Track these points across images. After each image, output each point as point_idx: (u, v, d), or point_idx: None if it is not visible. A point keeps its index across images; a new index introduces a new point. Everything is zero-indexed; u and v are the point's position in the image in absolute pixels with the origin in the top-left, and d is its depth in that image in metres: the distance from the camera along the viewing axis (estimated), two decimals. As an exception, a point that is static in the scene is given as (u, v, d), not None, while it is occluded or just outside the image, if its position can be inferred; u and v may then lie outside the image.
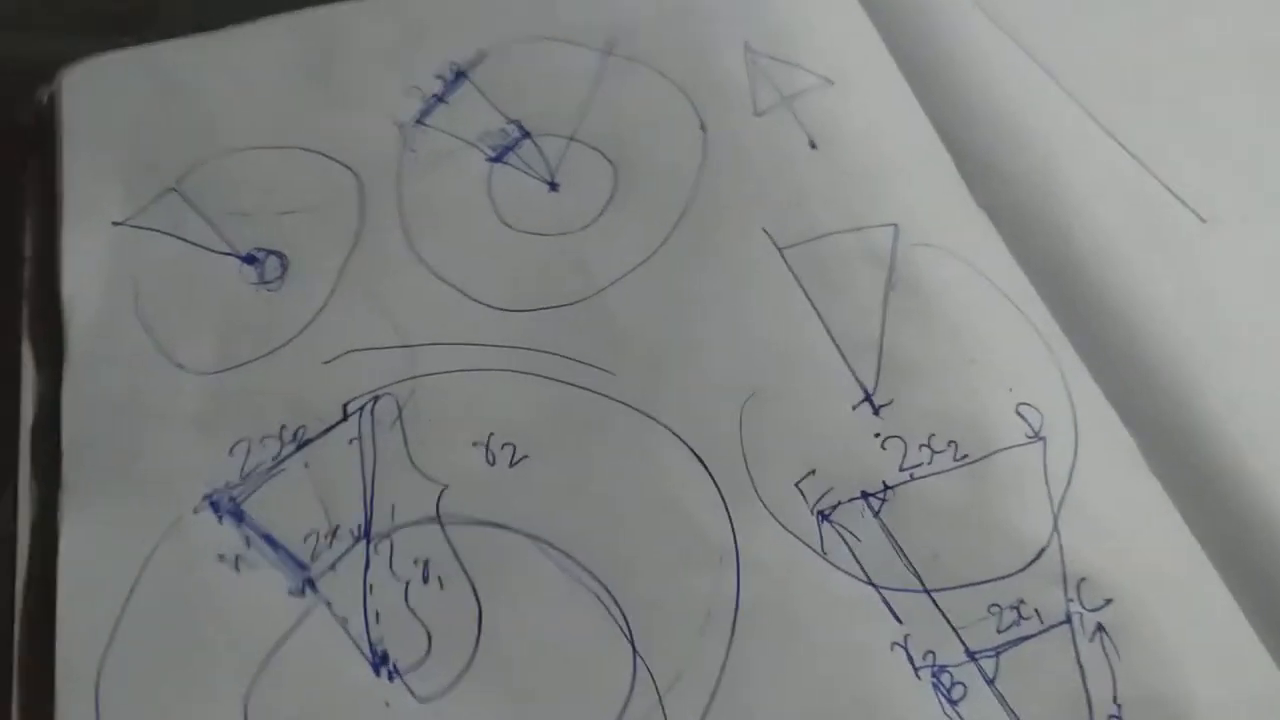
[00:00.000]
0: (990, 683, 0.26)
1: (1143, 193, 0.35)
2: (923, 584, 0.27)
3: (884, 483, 0.29)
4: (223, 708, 0.27)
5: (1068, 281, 0.33)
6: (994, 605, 0.27)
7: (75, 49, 0.38)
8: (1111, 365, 0.31)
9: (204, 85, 0.37)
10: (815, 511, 0.28)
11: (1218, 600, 0.27)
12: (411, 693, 0.27)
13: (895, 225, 0.33)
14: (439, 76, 0.37)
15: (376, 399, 0.31)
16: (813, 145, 0.34)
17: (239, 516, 0.29)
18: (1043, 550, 0.28)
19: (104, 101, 0.37)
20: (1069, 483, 0.29)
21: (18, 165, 0.37)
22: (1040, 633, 0.27)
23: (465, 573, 0.28)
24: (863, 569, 0.28)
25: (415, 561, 0.29)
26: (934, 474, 0.29)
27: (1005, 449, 0.29)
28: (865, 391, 0.30)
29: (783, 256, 0.32)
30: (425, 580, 0.28)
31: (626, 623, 0.27)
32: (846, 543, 0.28)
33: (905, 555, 0.28)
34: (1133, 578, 0.27)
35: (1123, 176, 0.36)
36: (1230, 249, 0.34)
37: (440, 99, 0.36)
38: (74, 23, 0.42)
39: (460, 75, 0.37)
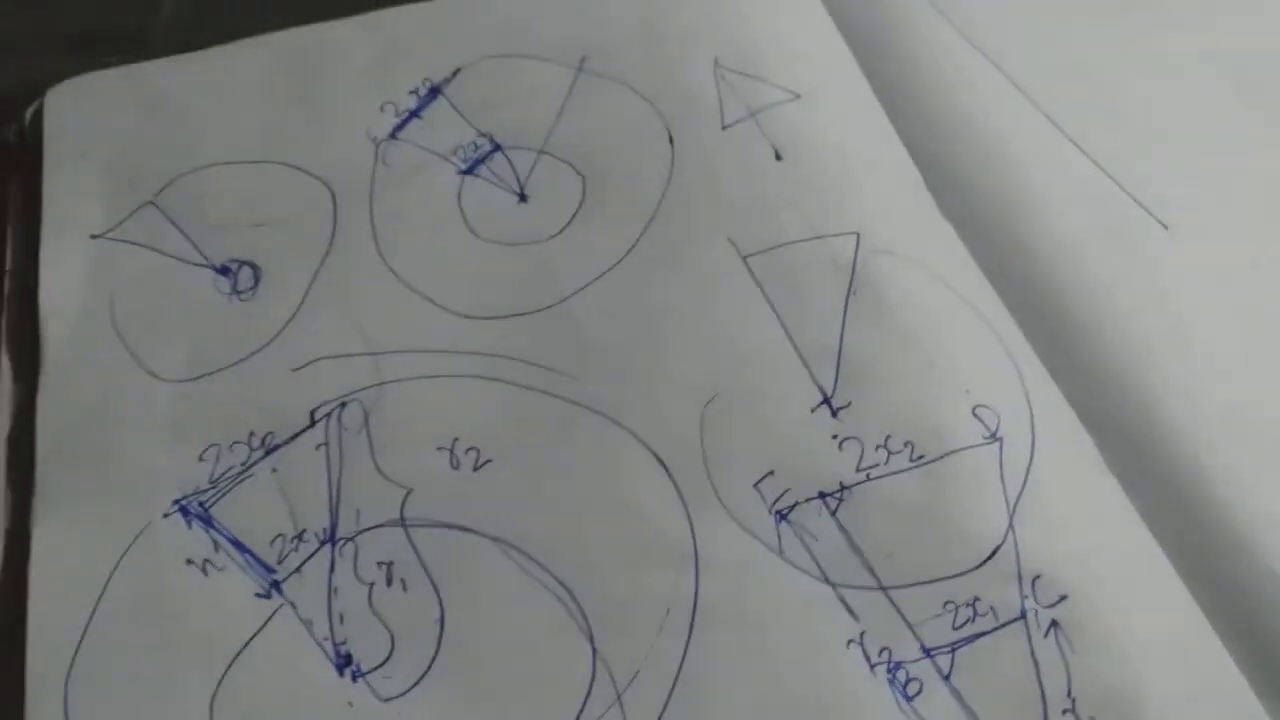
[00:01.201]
0: (946, 679, 0.27)
1: (1106, 200, 0.36)
2: (879, 582, 0.28)
3: (841, 483, 0.29)
4: (189, 708, 0.27)
5: (1031, 287, 0.33)
6: (949, 602, 0.27)
7: (63, 69, 0.39)
8: (1072, 369, 0.32)
9: (184, 103, 0.38)
10: (773, 511, 0.29)
11: (1173, 595, 0.27)
12: (375, 693, 0.27)
13: (857, 234, 0.33)
14: (413, 92, 0.38)
15: (344, 405, 0.31)
16: (778, 156, 0.35)
17: (208, 521, 0.30)
18: (998, 548, 0.28)
19: (86, 119, 0.38)
20: (1025, 482, 0.29)
21: (1, 181, 0.38)
22: (995, 629, 0.27)
23: (428, 575, 0.29)
24: (819, 567, 0.28)
25: (379, 564, 0.29)
26: (890, 474, 0.29)
27: (961, 449, 0.29)
28: (824, 394, 0.30)
29: (746, 264, 0.33)
30: (389, 583, 0.29)
31: (587, 622, 0.28)
32: (804, 542, 0.28)
33: (862, 554, 0.28)
34: (1088, 574, 0.28)
35: (1087, 184, 0.36)
36: (1192, 255, 0.34)
37: (415, 114, 0.37)
38: (63, 44, 0.43)
39: (435, 91, 0.37)
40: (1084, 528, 0.29)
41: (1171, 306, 0.33)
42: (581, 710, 0.27)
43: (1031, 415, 0.30)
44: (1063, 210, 0.35)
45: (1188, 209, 0.35)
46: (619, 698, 0.27)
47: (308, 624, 0.28)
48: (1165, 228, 0.35)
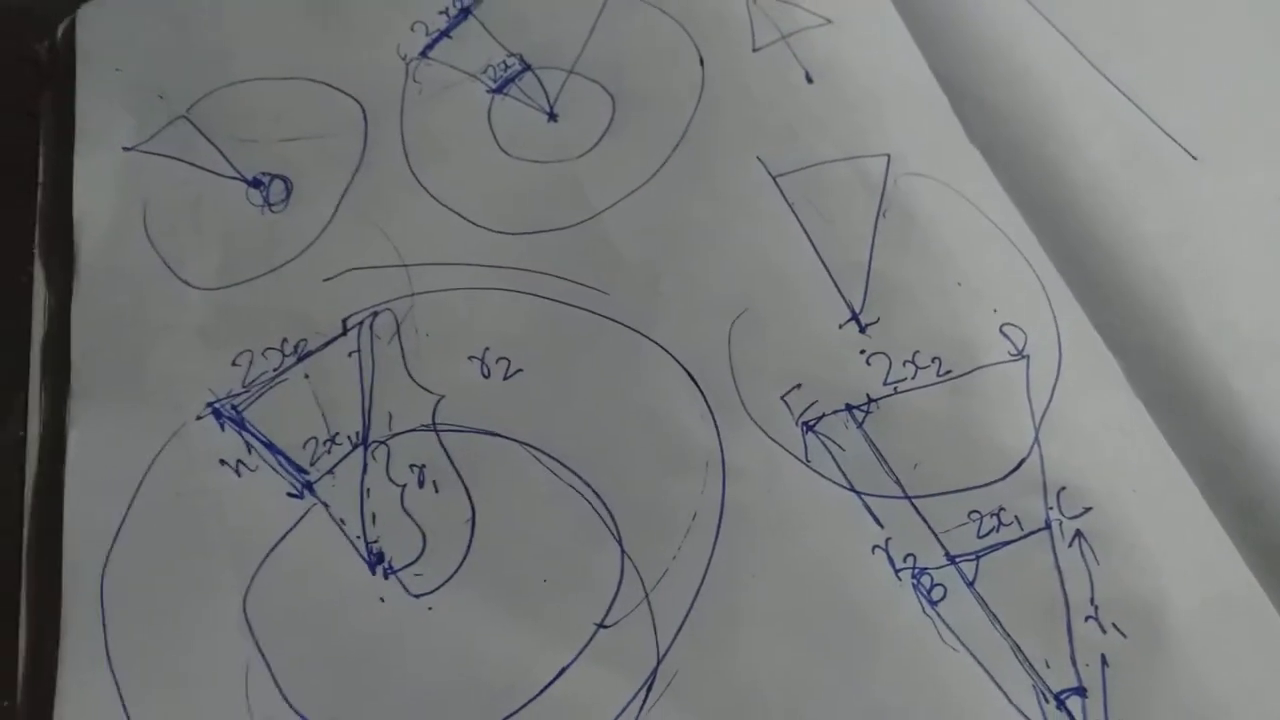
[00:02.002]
0: (970, 585, 0.27)
1: (1135, 130, 0.35)
2: (904, 491, 0.28)
3: (868, 395, 0.29)
4: (222, 603, 0.28)
5: (1058, 215, 0.33)
6: (974, 512, 0.27)
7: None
8: (1099, 295, 0.32)
9: (215, 19, 0.38)
10: (800, 422, 0.29)
11: (1194, 508, 0.28)
12: (406, 589, 0.28)
13: (888, 155, 0.33)
14: (443, 12, 0.37)
15: (375, 314, 0.32)
16: (809, 79, 0.35)
17: (240, 424, 0.30)
18: (1023, 460, 0.28)
19: (118, 34, 0.38)
20: (1051, 398, 0.29)
21: (34, 96, 0.38)
22: (1020, 538, 0.27)
23: (460, 477, 0.29)
24: (845, 476, 0.28)
25: (411, 467, 0.29)
26: (917, 388, 0.29)
27: (988, 365, 0.29)
28: (852, 311, 0.30)
29: (776, 184, 0.33)
30: (421, 484, 0.29)
31: (615, 524, 0.28)
32: (830, 451, 0.29)
33: (887, 464, 0.28)
34: (1112, 488, 0.28)
35: (1115, 114, 0.36)
36: (1220, 185, 0.34)
37: (444, 34, 0.37)
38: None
39: (465, 11, 0.37)
40: (1109, 444, 0.29)
41: (1200, 236, 0.33)
42: (610, 608, 0.27)
43: (1059, 334, 0.30)
44: (1090, 139, 0.35)
45: (1217, 140, 0.35)
46: (647, 596, 0.27)
47: (340, 523, 0.29)
48: (1194, 158, 0.35)
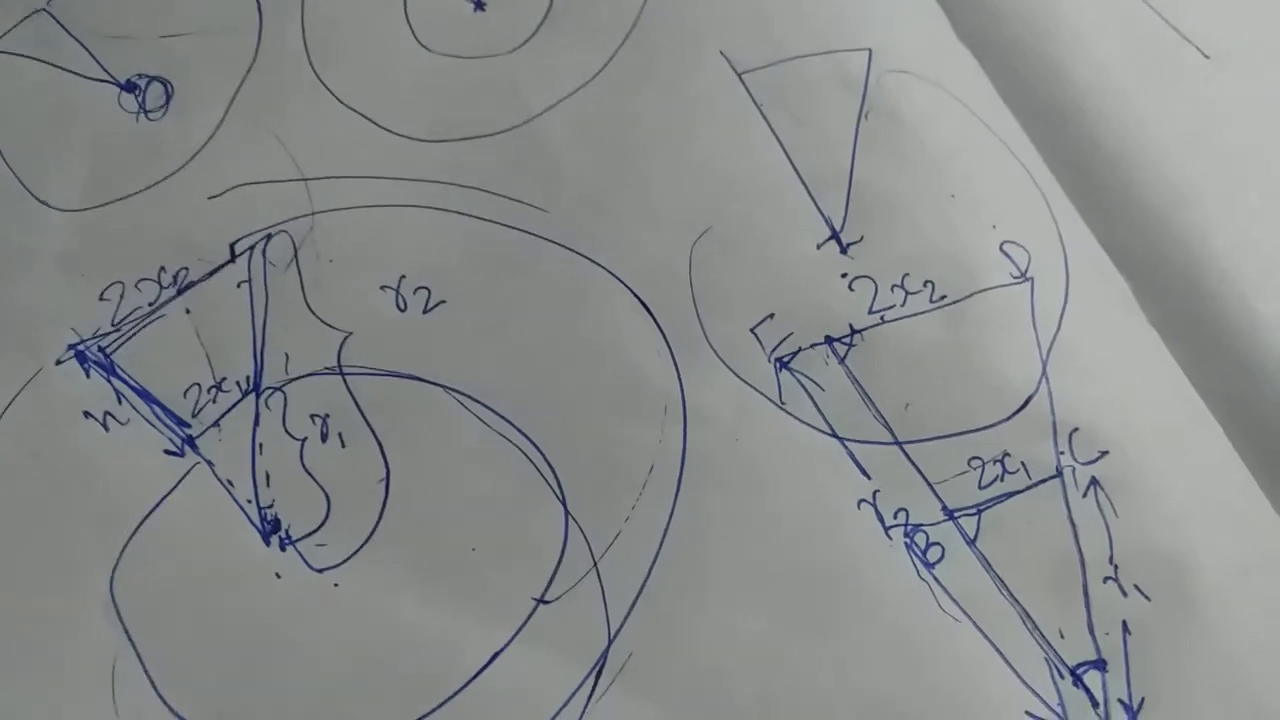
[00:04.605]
0: (971, 543, 0.24)
1: (1143, 28, 0.33)
2: (894, 436, 0.25)
3: (851, 326, 0.26)
4: (85, 582, 0.24)
5: (1060, 121, 0.31)
6: (975, 459, 0.25)
7: None
8: (1106, 208, 0.29)
9: (79, -105, 0.33)
10: (772, 358, 0.26)
11: (1220, 452, 0.25)
12: (306, 563, 0.24)
13: (869, 50, 0.29)
14: (351, -114, 0.32)
15: (269, 237, 0.27)
16: (777, -37, 0.31)
17: (109, 368, 0.26)
18: (1030, 398, 0.25)
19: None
20: (1059, 326, 0.26)
21: None
22: (1028, 488, 0.24)
23: (371, 429, 0.26)
24: (825, 420, 0.25)
25: (313, 417, 0.26)
26: (907, 316, 0.26)
27: (989, 289, 0.26)
28: (832, 228, 0.27)
29: (742, 81, 0.29)
30: (324, 438, 0.25)
31: (557, 481, 0.25)
32: (807, 391, 0.25)
33: (874, 404, 0.25)
34: (1131, 429, 0.25)
35: (1121, 11, 0.33)
36: (1236, 87, 0.31)
37: (353, -88, 0.32)
38: None
39: (376, -115, 0.32)
40: (1124, 378, 0.26)
41: (1215, 141, 0.30)
42: (552, 580, 0.24)
43: (1065, 254, 0.27)
44: (1093, 37, 0.32)
45: (1231, 37, 0.32)
46: (595, 565, 0.24)
47: (227, 485, 0.25)
48: (1206, 57, 0.32)
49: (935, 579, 0.23)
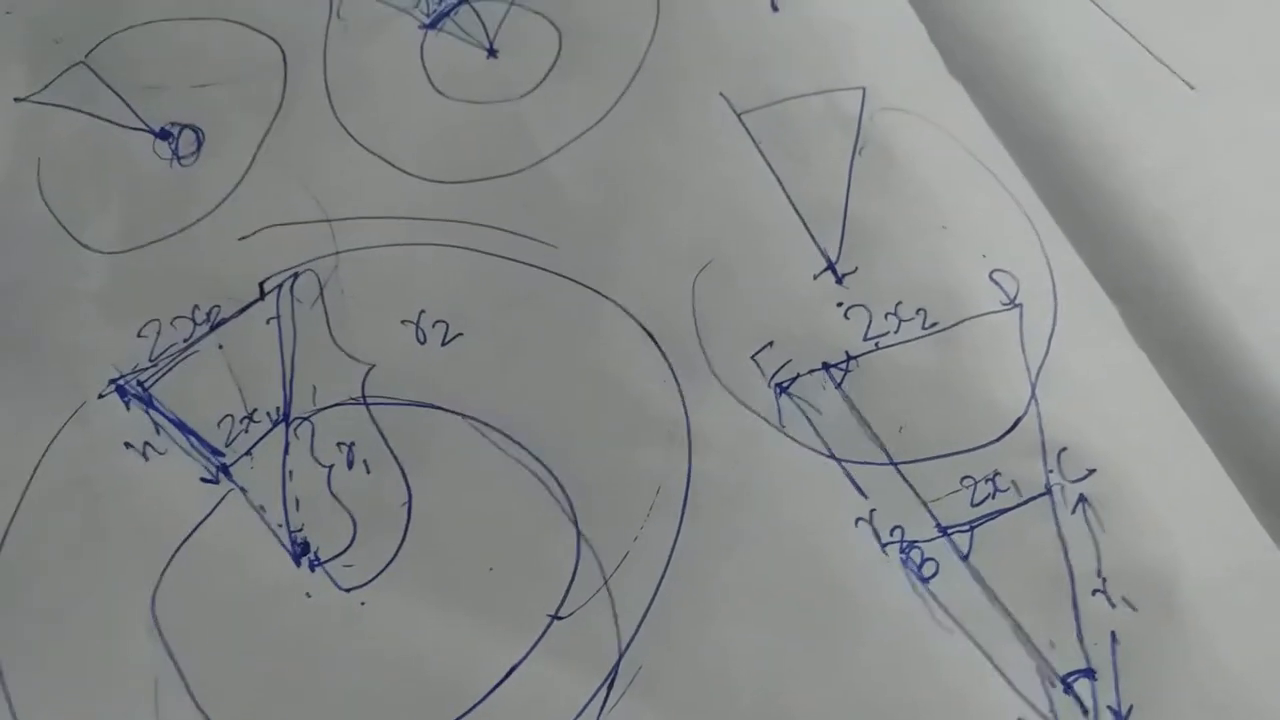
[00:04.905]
0: (964, 559, 0.24)
1: (1127, 58, 0.33)
2: (889, 456, 0.25)
3: (847, 353, 0.27)
4: (128, 603, 0.25)
5: (1048, 151, 0.31)
6: (967, 478, 0.25)
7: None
8: (1093, 235, 0.29)
9: (114, -46, 0.34)
10: (772, 384, 0.27)
11: (1207, 470, 0.25)
12: (335, 583, 0.25)
13: (863, 88, 0.30)
14: (370, -58, 0.34)
15: (296, 276, 0.28)
16: (774, 7, 0.32)
17: (147, 401, 0.27)
18: (1020, 419, 0.26)
19: (5, -27, 0.34)
20: (1048, 350, 0.27)
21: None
22: (1018, 505, 0.25)
23: (393, 455, 0.26)
24: (823, 442, 0.26)
25: (339, 445, 0.26)
26: (901, 343, 0.27)
27: (979, 316, 0.27)
28: (828, 260, 0.28)
29: (741, 121, 0.30)
30: (350, 465, 0.26)
31: (570, 503, 0.25)
32: (806, 415, 0.26)
33: (869, 427, 0.26)
34: (1118, 447, 0.25)
35: (1106, 42, 0.34)
36: (1220, 117, 0.32)
37: (372, -34, 0.34)
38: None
39: (393, -60, 0.34)
40: (1112, 399, 0.26)
41: (1200, 172, 0.31)
42: (565, 597, 0.24)
43: (1053, 281, 0.28)
44: (1080, 69, 0.33)
45: (1214, 68, 0.33)
46: (606, 583, 0.25)
47: (259, 510, 0.26)
48: (1191, 88, 0.33)
49: (930, 593, 0.24)
